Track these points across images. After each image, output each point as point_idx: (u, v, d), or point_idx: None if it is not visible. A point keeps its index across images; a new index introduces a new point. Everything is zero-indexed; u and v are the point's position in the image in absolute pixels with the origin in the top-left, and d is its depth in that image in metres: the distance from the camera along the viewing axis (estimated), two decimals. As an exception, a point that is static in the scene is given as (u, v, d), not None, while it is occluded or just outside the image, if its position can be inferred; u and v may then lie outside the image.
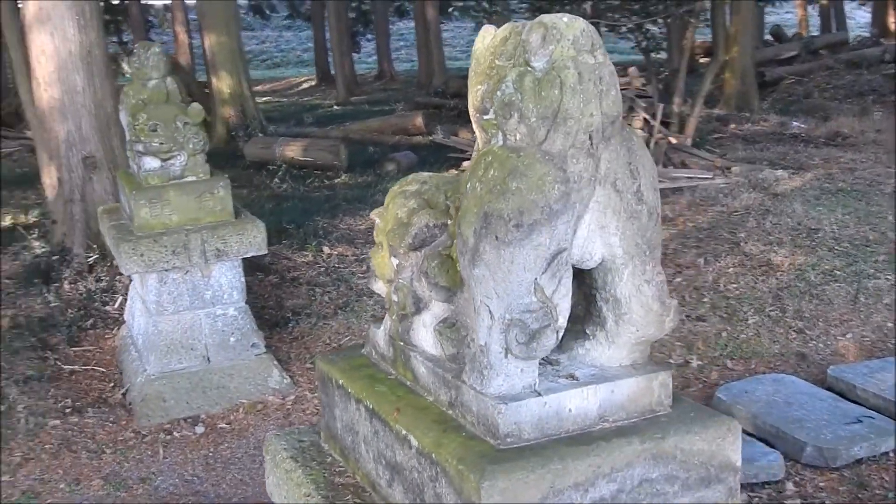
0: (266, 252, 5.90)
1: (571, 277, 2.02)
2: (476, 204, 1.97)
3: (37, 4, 7.48)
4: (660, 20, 12.50)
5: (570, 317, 2.09)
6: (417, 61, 28.60)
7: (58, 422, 5.44)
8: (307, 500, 2.41)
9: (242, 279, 5.83)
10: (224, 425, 5.50)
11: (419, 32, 27.11)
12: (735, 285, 6.90)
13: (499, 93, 1.98)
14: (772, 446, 4.59)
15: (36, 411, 5.51)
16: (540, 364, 2.12)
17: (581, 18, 1.99)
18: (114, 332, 6.69)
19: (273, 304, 7.08)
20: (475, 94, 2.07)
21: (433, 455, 2.05)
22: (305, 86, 32.50)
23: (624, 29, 12.85)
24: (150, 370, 5.66)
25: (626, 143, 2.06)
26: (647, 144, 9.29)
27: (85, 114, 7.59)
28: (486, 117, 2.03)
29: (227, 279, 5.76)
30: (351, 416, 2.51)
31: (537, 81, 1.94)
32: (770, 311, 6.44)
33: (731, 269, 7.23)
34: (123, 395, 5.84)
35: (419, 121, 15.53)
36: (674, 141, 11.18)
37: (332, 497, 2.38)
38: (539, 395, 2.03)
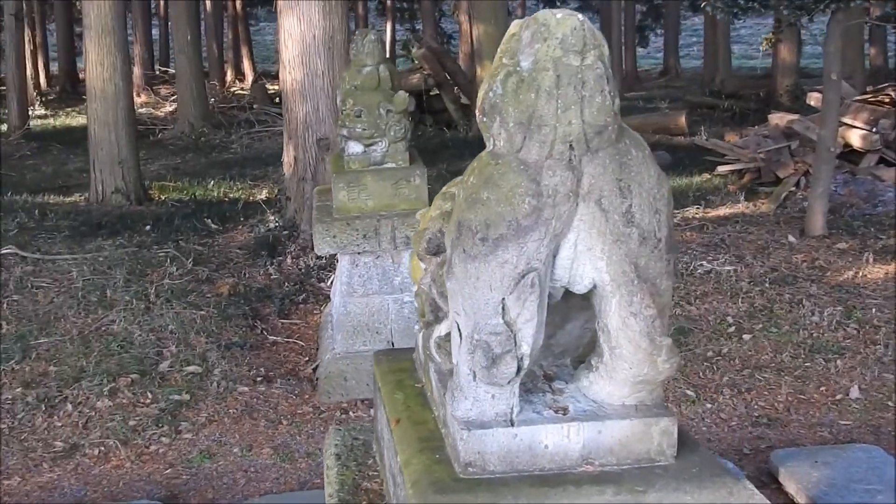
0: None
1: (542, 301, 1.78)
2: (457, 213, 1.80)
3: (287, -9, 7.91)
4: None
5: (587, 343, 1.85)
6: (703, 59, 27.53)
7: (246, 389, 5.72)
8: (329, 500, 2.34)
9: (432, 269, 5.83)
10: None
11: (707, 28, 26.07)
12: None
13: (490, 93, 1.77)
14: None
15: (230, 376, 5.82)
16: (541, 391, 1.94)
17: (578, 15, 1.73)
18: (322, 308, 6.95)
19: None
20: (480, 93, 1.87)
21: (403, 473, 1.92)
22: (587, 79, 32.29)
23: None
24: (337, 349, 5.81)
25: (618, 158, 1.79)
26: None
27: (323, 97, 7.92)
28: (482, 119, 1.83)
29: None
30: (379, 420, 2.42)
31: (520, 83, 1.72)
32: None
33: None
34: (313, 370, 6.04)
35: (682, 120, 14.90)
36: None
37: (349, 500, 2.29)
38: (511, 425, 1.83)
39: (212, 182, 11.66)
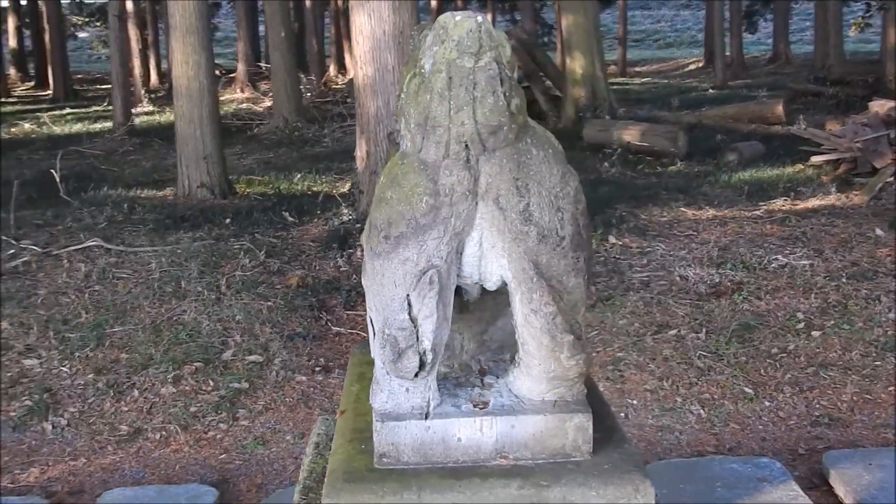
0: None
1: (444, 298, 1.81)
2: (371, 211, 1.84)
3: (359, -13, 8.02)
4: None
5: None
6: (814, 44, 26.60)
7: (304, 378, 5.85)
8: (297, 487, 2.42)
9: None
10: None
11: (818, 12, 25.18)
12: None
13: (401, 95, 1.81)
14: None
15: (289, 365, 5.97)
16: (471, 386, 1.97)
17: (478, 17, 1.75)
18: (387, 300, 7.04)
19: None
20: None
21: (329, 462, 2.00)
22: (692, 67, 31.68)
23: None
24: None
25: (516, 157, 1.79)
26: None
27: (393, 91, 8.00)
28: (396, 120, 1.87)
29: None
30: (344, 407, 2.48)
31: (420, 85, 1.75)
32: None
33: None
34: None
35: (779, 109, 14.46)
36: None
37: (313, 487, 2.36)
38: (426, 418, 1.85)
39: (298, 176, 11.92)
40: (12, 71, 35.58)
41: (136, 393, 5.71)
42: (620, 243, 7.75)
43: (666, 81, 27.13)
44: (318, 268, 7.60)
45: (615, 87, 24.33)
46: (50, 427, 5.40)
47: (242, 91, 24.72)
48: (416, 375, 1.85)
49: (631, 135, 12.85)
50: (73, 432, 5.37)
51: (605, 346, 6.04)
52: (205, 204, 9.84)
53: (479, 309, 1.92)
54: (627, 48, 33.34)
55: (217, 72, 31.18)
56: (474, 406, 1.93)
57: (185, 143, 9.97)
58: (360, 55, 8.16)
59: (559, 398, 1.92)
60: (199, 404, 5.58)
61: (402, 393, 1.90)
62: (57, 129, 18.38)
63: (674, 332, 6.16)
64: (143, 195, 10.63)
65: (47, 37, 27.42)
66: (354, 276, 7.40)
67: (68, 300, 6.90)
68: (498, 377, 2.01)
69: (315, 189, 10.97)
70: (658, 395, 5.50)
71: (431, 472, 1.85)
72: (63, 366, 5.99)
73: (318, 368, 6.00)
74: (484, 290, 1.90)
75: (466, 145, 1.77)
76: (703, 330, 6.17)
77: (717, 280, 6.95)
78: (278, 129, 16.18)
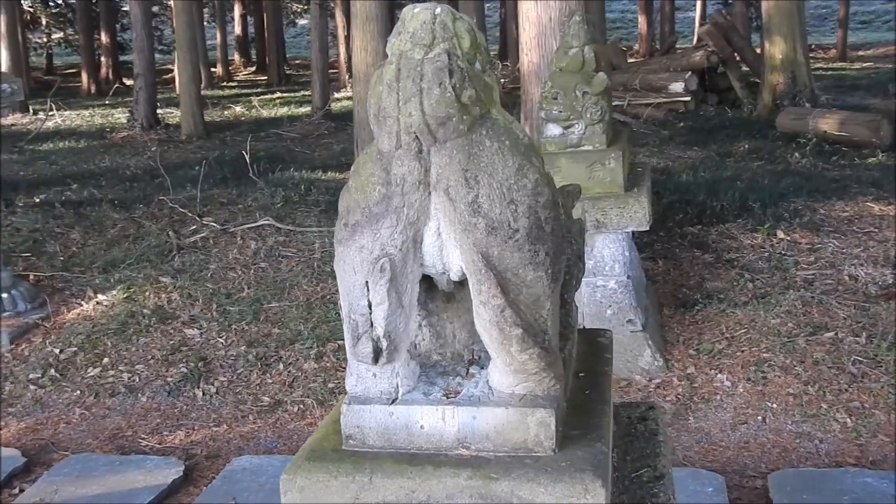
0: (647, 229, 5.70)
1: (397, 287, 1.83)
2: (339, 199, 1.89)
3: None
4: None
5: None
6: None
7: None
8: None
9: (626, 253, 5.72)
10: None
11: None
12: None
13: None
14: None
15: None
16: (453, 375, 2.01)
17: (436, 8, 1.74)
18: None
19: (693, 283, 6.78)
20: None
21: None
22: (924, 51, 29.34)
23: None
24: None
25: (467, 148, 1.78)
26: None
27: (556, 78, 7.92)
28: None
29: (610, 251, 5.70)
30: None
31: (377, 76, 1.77)
32: None
33: None
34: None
35: None
36: None
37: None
38: (390, 403, 1.90)
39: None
40: (236, 56, 37.96)
41: (280, 366, 6.00)
42: (789, 238, 7.34)
43: (890, 66, 25.27)
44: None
45: (829, 72, 22.98)
46: (200, 394, 5.77)
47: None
48: (377, 362, 1.88)
49: (828, 124, 12.08)
50: (220, 400, 5.72)
51: (751, 345, 5.76)
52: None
53: (467, 298, 1.91)
54: (852, 31, 31.31)
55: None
56: (445, 395, 1.94)
57: (361, 127, 10.30)
58: (525, 42, 8.11)
59: (529, 392, 1.90)
60: (336, 381, 5.79)
61: (370, 378, 1.94)
62: (264, 113, 19.45)
63: (830, 334, 5.78)
64: (323, 177, 11.08)
65: (266, 24, 29.00)
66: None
67: (234, 275, 7.31)
68: (483, 368, 2.01)
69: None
70: (801, 400, 5.20)
71: (391, 457, 1.89)
72: (220, 337, 6.37)
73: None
74: (464, 280, 1.89)
75: (416, 136, 1.77)
76: (864, 334, 5.76)
77: (890, 281, 6.45)
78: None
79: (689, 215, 8.06)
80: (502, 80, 18.72)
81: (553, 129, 5.83)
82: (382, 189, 1.81)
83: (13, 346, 6.44)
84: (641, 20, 32.49)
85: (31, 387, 5.94)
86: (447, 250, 1.84)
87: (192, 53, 15.58)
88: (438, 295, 2.02)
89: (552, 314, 1.87)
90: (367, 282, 1.83)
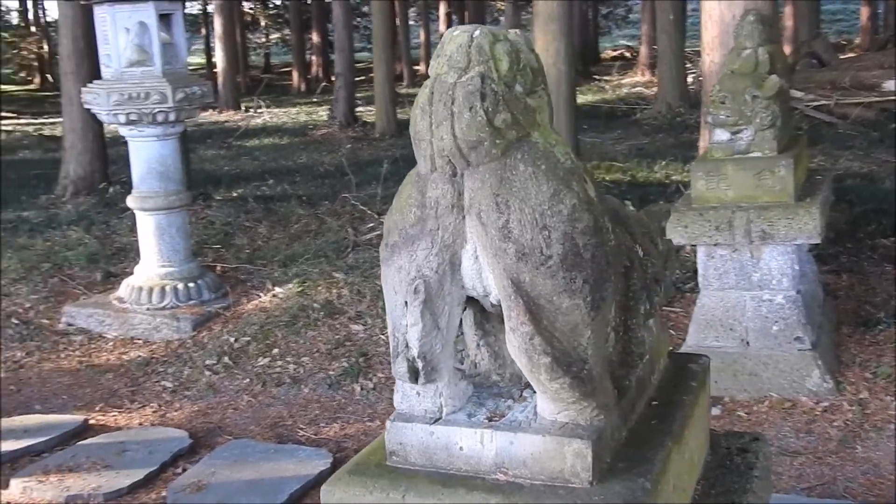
0: (818, 241, 5.36)
1: (432, 309, 1.83)
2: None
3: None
4: None
5: None
6: None
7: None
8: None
9: (796, 266, 5.42)
10: (742, 413, 5.28)
11: None
12: None
13: None
14: None
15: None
16: (506, 398, 2.01)
17: (475, 32, 1.72)
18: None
19: (879, 300, 6.33)
20: None
21: None
22: None
23: None
24: (688, 341, 5.68)
25: (499, 173, 1.75)
26: None
27: (739, 79, 7.59)
28: None
29: (778, 264, 5.42)
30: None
31: (416, 98, 1.78)
32: None
33: None
34: (670, 360, 5.96)
35: None
36: None
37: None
38: (432, 423, 1.93)
39: (662, 163, 11.72)
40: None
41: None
42: None
43: None
44: (641, 259, 7.48)
45: None
46: (358, 388, 5.95)
47: (643, 74, 24.72)
48: (416, 381, 1.90)
49: None
50: (376, 396, 5.87)
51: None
52: (554, 188, 10.03)
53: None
54: None
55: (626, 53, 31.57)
56: (489, 418, 1.94)
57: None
58: (707, 41, 7.81)
59: (571, 420, 1.86)
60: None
61: (414, 396, 1.97)
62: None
63: None
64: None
65: (469, 22, 29.39)
66: (679, 270, 7.19)
67: (403, 273, 7.47)
68: (536, 392, 1.97)
69: (673, 178, 10.74)
70: None
71: (428, 477, 1.91)
72: (382, 334, 6.53)
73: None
74: None
75: (449, 160, 1.77)
76: None
77: None
78: (660, 114, 15.98)
79: (882, 226, 7.53)
80: (699, 79, 18.14)
81: (720, 135, 5.60)
82: (418, 211, 1.83)
83: (195, 332, 6.88)
84: (864, 11, 30.54)
85: (207, 372, 6.31)
86: (485, 273, 1.83)
87: (387, 52, 16.04)
88: (495, 315, 2.00)
89: (593, 343, 1.82)
90: (405, 302, 1.85)
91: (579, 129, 15.41)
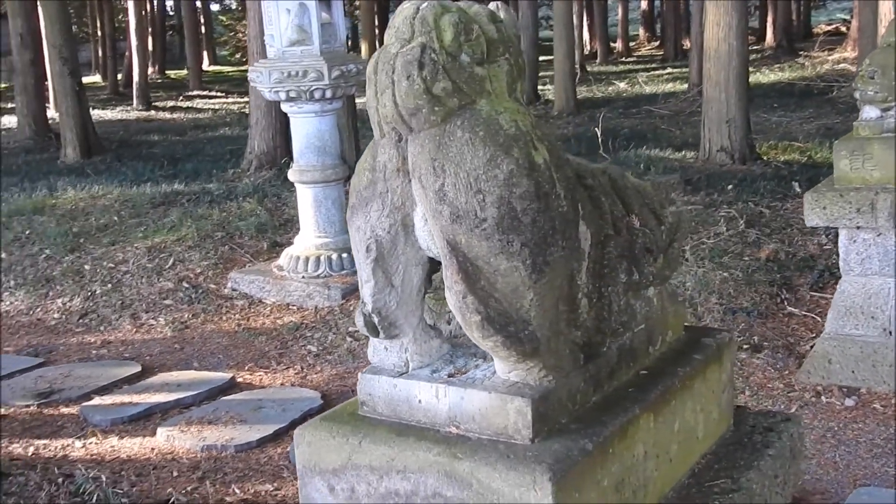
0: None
1: (384, 267, 1.92)
2: None
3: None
4: None
5: None
6: None
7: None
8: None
9: (946, 254, 5.05)
10: (878, 406, 5.03)
11: None
12: None
13: None
14: None
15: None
16: (476, 356, 2.09)
17: (421, 4, 1.80)
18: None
19: None
20: None
21: None
22: None
23: None
24: (827, 328, 5.44)
25: (437, 138, 1.81)
26: None
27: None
28: None
29: (926, 250, 5.07)
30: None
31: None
32: None
33: None
34: (811, 347, 5.72)
35: None
36: None
37: None
38: (398, 377, 2.03)
39: (846, 143, 11.04)
40: (641, 31, 38.00)
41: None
42: None
43: None
44: (798, 243, 7.15)
45: None
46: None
47: (853, 49, 23.29)
48: (377, 335, 2.00)
49: None
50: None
51: None
52: (720, 168, 9.70)
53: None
54: None
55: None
56: (450, 375, 2.01)
57: (709, 105, 9.93)
58: (884, 13, 7.37)
59: (521, 380, 1.92)
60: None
61: (382, 350, 2.07)
62: (647, 89, 19.34)
63: None
64: (671, 156, 10.84)
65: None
66: (834, 256, 6.83)
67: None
68: None
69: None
70: None
71: (389, 427, 2.02)
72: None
73: (746, 346, 5.76)
74: None
75: (394, 126, 1.85)
76: None
77: None
78: (857, 92, 14.99)
79: None
80: None
81: (869, 112, 5.31)
82: (370, 174, 1.94)
83: (343, 300, 7.19)
84: None
85: (348, 339, 6.60)
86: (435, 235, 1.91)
87: (567, 30, 15.93)
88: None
89: (537, 305, 1.85)
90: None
91: (768, 107, 14.81)
